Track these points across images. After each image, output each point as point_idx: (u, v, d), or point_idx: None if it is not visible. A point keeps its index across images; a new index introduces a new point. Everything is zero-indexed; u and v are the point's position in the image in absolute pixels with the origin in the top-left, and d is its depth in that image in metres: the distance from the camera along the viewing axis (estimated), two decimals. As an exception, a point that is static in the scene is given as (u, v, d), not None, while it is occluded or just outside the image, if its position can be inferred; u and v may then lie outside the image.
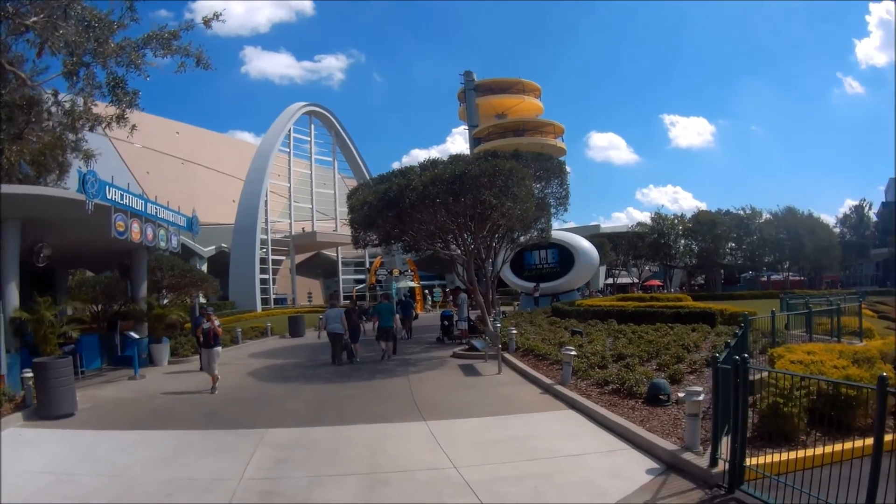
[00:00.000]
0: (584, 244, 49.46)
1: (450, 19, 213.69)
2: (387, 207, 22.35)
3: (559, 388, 14.40)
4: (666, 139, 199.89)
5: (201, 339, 17.72)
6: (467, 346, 23.07)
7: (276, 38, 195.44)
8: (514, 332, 21.73)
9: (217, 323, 17.54)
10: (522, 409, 13.21)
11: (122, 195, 19.07)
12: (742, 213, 75.55)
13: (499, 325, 23.27)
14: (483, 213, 22.96)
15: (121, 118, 22.59)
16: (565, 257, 48.59)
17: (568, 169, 26.13)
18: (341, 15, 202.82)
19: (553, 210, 29.63)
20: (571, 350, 15.37)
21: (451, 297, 27.61)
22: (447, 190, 21.54)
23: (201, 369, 19.00)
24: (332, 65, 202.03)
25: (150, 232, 21.21)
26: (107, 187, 18.09)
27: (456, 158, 24.98)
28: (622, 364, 16.01)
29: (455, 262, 27.22)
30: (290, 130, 67.41)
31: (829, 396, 9.27)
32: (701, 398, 9.19)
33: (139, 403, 15.14)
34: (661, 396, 12.02)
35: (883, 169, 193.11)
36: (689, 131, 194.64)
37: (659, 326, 24.13)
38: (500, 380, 17.04)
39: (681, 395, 11.21)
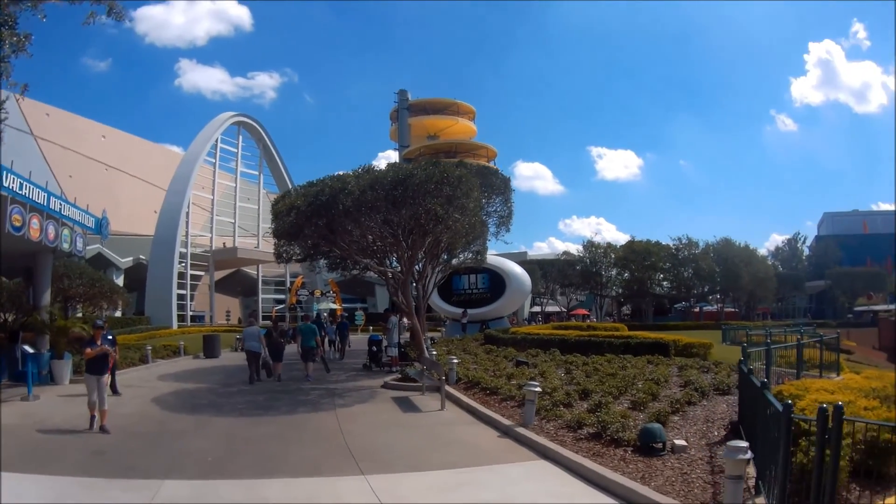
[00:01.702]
0: (517, 269, 47.66)
1: (386, 41, 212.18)
2: (317, 214, 19.41)
3: (522, 430, 12.12)
4: (592, 171, 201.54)
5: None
6: (399, 376, 20.77)
7: (213, 51, 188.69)
8: (455, 360, 19.23)
9: (111, 345, 14.14)
10: (483, 458, 10.75)
11: (21, 184, 16.59)
12: (679, 243, 74.96)
13: (434, 352, 21.17)
14: (425, 225, 20.53)
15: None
16: (496, 283, 46.34)
17: (513, 187, 23.76)
18: (278, 31, 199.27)
19: (494, 230, 27.03)
20: (535, 386, 12.92)
21: (382, 322, 25.12)
22: (387, 196, 18.97)
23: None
24: (265, 82, 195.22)
25: (51, 230, 18.84)
26: (4, 173, 15.50)
27: (396, 165, 22.33)
28: (592, 402, 13.73)
29: (388, 281, 24.58)
30: (217, 140, 63.21)
31: (868, 444, 7.26)
32: (748, 456, 7.20)
33: (19, 434, 12.22)
34: (654, 445, 9.99)
35: (812, 205, 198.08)
36: (616, 164, 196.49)
37: (610, 358, 22.24)
38: (446, 418, 14.59)
39: (678, 442, 10.06)
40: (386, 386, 19.85)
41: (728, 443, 7.46)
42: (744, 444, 7.25)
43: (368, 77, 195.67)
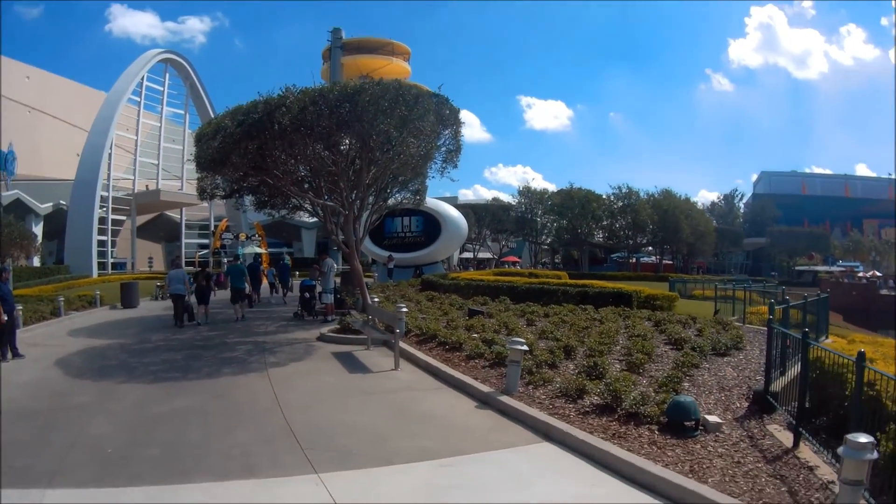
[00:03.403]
0: (453, 213, 45.82)
1: None
2: (247, 136, 16.22)
3: (506, 400, 9.79)
4: (520, 120, 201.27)
5: None
6: (338, 326, 18.10)
7: None
8: (404, 309, 16.52)
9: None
10: (469, 442, 8.23)
11: None
12: (618, 192, 73.85)
13: (376, 299, 19.30)
14: (374, 150, 17.66)
15: None
16: (431, 226, 44.52)
17: (466, 118, 20.87)
18: None
19: (440, 165, 23.95)
20: (521, 343, 10.37)
21: (318, 262, 22.66)
22: (332, 114, 16.11)
23: None
24: (196, 26, 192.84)
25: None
26: None
27: (342, 82, 19.17)
28: (580, 362, 11.80)
29: (327, 218, 21.69)
30: (143, 78, 59.23)
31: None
32: (874, 455, 5.30)
33: None
34: (686, 423, 8.01)
35: (745, 163, 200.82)
36: (546, 114, 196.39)
37: (572, 308, 20.32)
38: (404, 381, 11.99)
39: (710, 418, 8.24)
40: (323, 338, 17.14)
41: (848, 436, 5.35)
42: (866, 438, 5.28)
43: (300, 23, 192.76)
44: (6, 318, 14.00)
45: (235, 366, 13.52)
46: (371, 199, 22.57)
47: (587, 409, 9.04)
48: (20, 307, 18.73)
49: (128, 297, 28.59)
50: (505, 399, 9.70)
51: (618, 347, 13.22)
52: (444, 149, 21.11)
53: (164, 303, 28.38)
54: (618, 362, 11.89)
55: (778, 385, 9.14)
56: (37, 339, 17.84)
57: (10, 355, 14.35)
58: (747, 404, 9.20)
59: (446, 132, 20.28)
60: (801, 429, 7.48)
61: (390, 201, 25.99)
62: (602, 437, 7.88)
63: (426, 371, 12.68)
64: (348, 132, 16.79)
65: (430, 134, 18.22)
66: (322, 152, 17.71)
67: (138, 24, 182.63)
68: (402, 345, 14.06)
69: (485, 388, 10.49)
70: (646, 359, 11.76)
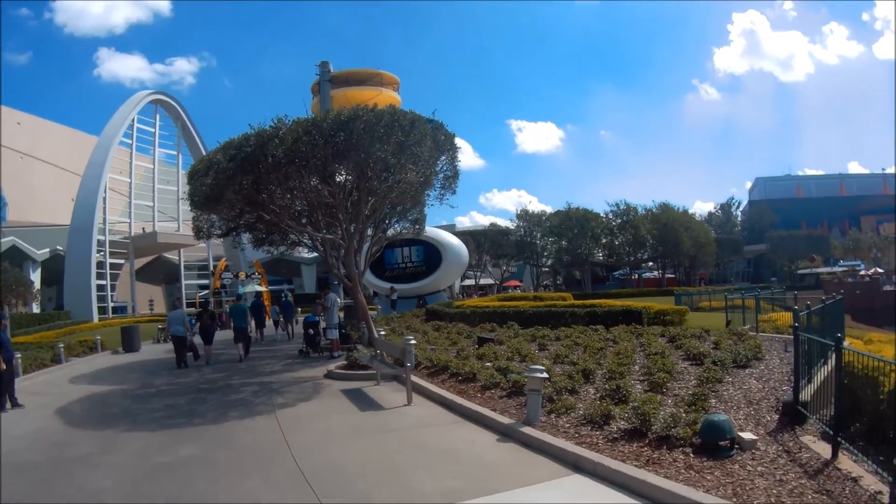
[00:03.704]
0: (453, 241, 45.74)
1: (304, 20, 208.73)
2: (241, 170, 15.76)
3: (529, 431, 9.28)
4: (512, 144, 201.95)
5: None
6: (345, 362, 17.57)
7: (131, 39, 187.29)
8: (413, 340, 15.51)
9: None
10: (495, 478, 7.69)
11: None
12: (616, 209, 73.53)
13: (382, 332, 18.78)
14: (371, 180, 17.21)
15: None
16: (432, 255, 44.51)
17: (459, 144, 20.36)
18: (197, 15, 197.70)
19: (438, 192, 23.38)
20: (540, 370, 9.87)
21: (321, 298, 22.25)
22: (327, 144, 15.59)
23: None
24: (184, 67, 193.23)
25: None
26: None
27: (336, 110, 18.61)
28: (601, 386, 11.39)
29: (327, 252, 21.23)
30: (133, 120, 58.61)
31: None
32: None
33: None
34: (721, 443, 7.55)
35: (737, 170, 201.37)
36: (537, 136, 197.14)
37: (582, 329, 19.91)
38: (418, 416, 11.43)
39: (744, 436, 7.78)
40: (331, 376, 16.62)
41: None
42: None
43: (288, 59, 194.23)
44: (4, 367, 13.62)
45: (242, 408, 12.97)
46: (370, 230, 22.13)
47: (615, 436, 8.60)
48: (19, 355, 18.30)
49: (129, 340, 27.99)
50: (527, 430, 9.21)
51: (636, 367, 12.82)
52: (441, 175, 20.68)
53: (166, 345, 27.85)
54: (639, 383, 11.47)
55: (807, 394, 8.83)
56: (37, 387, 17.38)
57: (9, 405, 13.92)
58: (777, 417, 8.86)
59: (443, 158, 19.90)
60: (839, 438, 7.19)
61: (389, 232, 25.53)
62: (636, 465, 7.42)
63: (441, 404, 12.17)
64: (344, 162, 16.33)
65: (429, 159, 17.77)
66: (318, 184, 17.27)
67: (126, 67, 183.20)
68: (414, 378, 13.50)
69: (505, 420, 9.97)
70: (668, 377, 11.33)
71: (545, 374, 9.96)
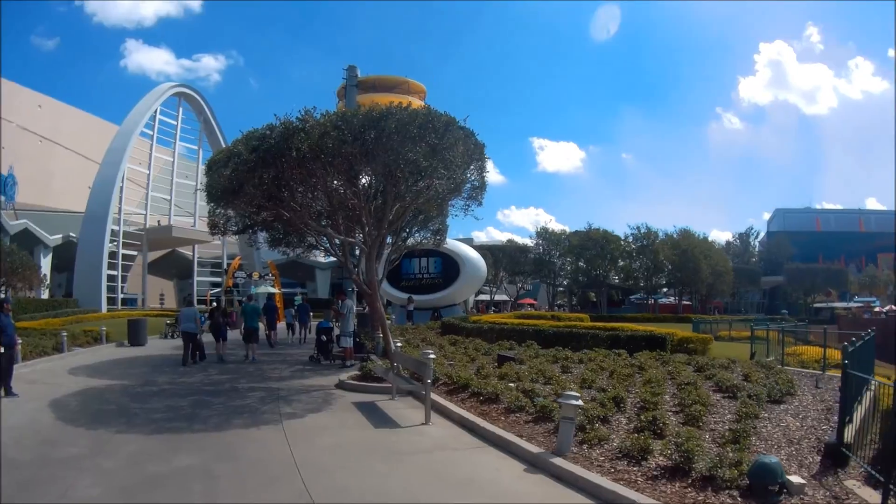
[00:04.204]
0: (472, 254, 45.35)
1: (334, 25, 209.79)
2: (262, 164, 14.92)
3: (560, 462, 8.46)
4: (533, 162, 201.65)
5: None
6: (358, 373, 16.71)
7: (160, 32, 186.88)
8: (432, 355, 14.72)
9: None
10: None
11: None
12: (637, 232, 72.84)
13: (399, 344, 18.15)
14: (399, 182, 16.33)
15: None
16: (450, 267, 44.41)
17: (487, 156, 19.57)
18: (228, 13, 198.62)
19: (463, 203, 22.49)
20: (575, 398, 9.07)
21: (336, 304, 21.73)
22: (355, 140, 14.69)
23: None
24: (210, 65, 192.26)
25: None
26: None
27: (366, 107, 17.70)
28: (634, 415, 10.65)
29: (345, 256, 20.55)
30: (156, 112, 58.74)
31: None
32: None
33: None
34: (771, 487, 6.96)
35: (756, 201, 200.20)
36: (558, 155, 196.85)
37: (605, 353, 19.04)
38: (437, 438, 10.57)
39: (793, 479, 7.10)
40: (343, 386, 15.79)
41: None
42: None
43: (315, 63, 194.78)
44: (2, 350, 13.25)
45: (247, 416, 12.17)
46: (389, 238, 21.40)
47: (654, 473, 7.84)
48: (20, 341, 17.84)
49: (135, 334, 27.60)
50: (558, 462, 8.41)
51: (667, 397, 12.00)
52: (468, 185, 19.87)
53: (173, 342, 27.69)
54: (673, 414, 10.71)
55: (849, 434, 8.19)
56: (35, 375, 16.90)
57: (2, 392, 13.43)
58: (820, 458, 8.19)
59: (471, 167, 19.06)
60: (891, 485, 6.51)
61: (409, 241, 24.87)
62: None
63: (461, 426, 11.35)
64: (373, 162, 15.45)
65: (461, 165, 16.93)
66: (343, 184, 16.47)
67: (153, 60, 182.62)
68: (432, 395, 12.57)
69: (533, 449, 9.16)
70: (704, 410, 10.54)
71: (580, 402, 9.17)
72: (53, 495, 7.18)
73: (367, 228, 18.23)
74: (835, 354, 17.50)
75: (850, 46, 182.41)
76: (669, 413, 10.69)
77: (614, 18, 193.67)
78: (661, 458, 8.18)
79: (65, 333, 23.81)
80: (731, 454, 7.81)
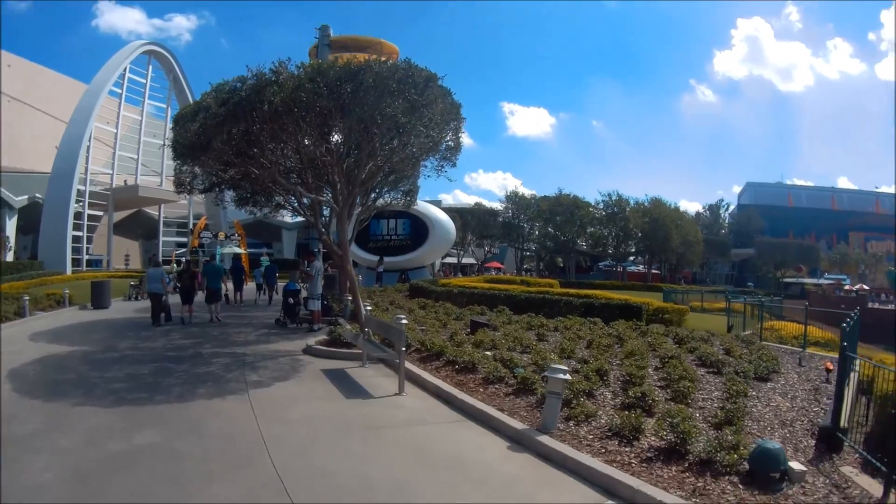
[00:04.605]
0: (441, 216, 45.06)
1: None
2: (232, 118, 13.99)
3: (546, 441, 7.97)
4: (503, 126, 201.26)
5: None
6: (326, 338, 16.16)
7: None
8: (404, 320, 13.72)
9: None
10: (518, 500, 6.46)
11: None
12: (608, 199, 72.66)
13: (370, 308, 17.59)
14: (376, 139, 15.52)
15: None
16: (418, 229, 44.32)
17: (463, 116, 18.77)
18: None
19: (436, 163, 21.70)
20: (563, 371, 8.47)
21: (304, 265, 21.07)
22: (332, 93, 13.83)
23: None
24: (182, 25, 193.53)
25: None
26: None
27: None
28: (619, 390, 10.30)
29: (315, 216, 19.78)
30: (125, 69, 57.01)
31: None
32: None
33: None
34: (773, 474, 6.63)
35: (726, 174, 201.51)
36: (528, 121, 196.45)
37: (581, 321, 18.95)
38: (413, 410, 9.96)
39: (793, 466, 6.77)
40: (310, 351, 15.12)
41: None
42: None
43: (287, 24, 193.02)
44: None
45: (211, 385, 11.44)
46: (359, 198, 20.65)
47: (648, 455, 7.39)
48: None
49: (99, 296, 26.73)
50: (545, 440, 7.90)
51: (650, 370, 11.62)
52: (443, 145, 19.10)
53: (137, 304, 27.09)
54: (659, 389, 10.30)
55: (844, 418, 7.99)
56: (-8, 343, 15.84)
57: None
58: (815, 442, 7.95)
59: (449, 126, 18.27)
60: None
61: (379, 202, 24.16)
62: (681, 497, 6.32)
63: (437, 397, 10.77)
64: (348, 117, 14.45)
65: (440, 124, 16.16)
66: (316, 140, 15.57)
67: (125, 19, 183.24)
68: (405, 364, 11.83)
69: (516, 424, 8.61)
70: (692, 387, 10.11)
71: (568, 377, 8.63)
72: (4, 481, 6.47)
73: (338, 187, 17.41)
74: (814, 332, 18.24)
75: (830, 27, 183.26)
76: (656, 388, 10.24)
77: None
78: (653, 439, 7.77)
79: (27, 297, 23.01)
80: (729, 436, 7.32)
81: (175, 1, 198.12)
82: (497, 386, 10.62)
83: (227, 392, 10.84)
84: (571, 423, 8.47)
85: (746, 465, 6.76)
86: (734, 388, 9.90)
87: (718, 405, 9.25)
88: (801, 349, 15.84)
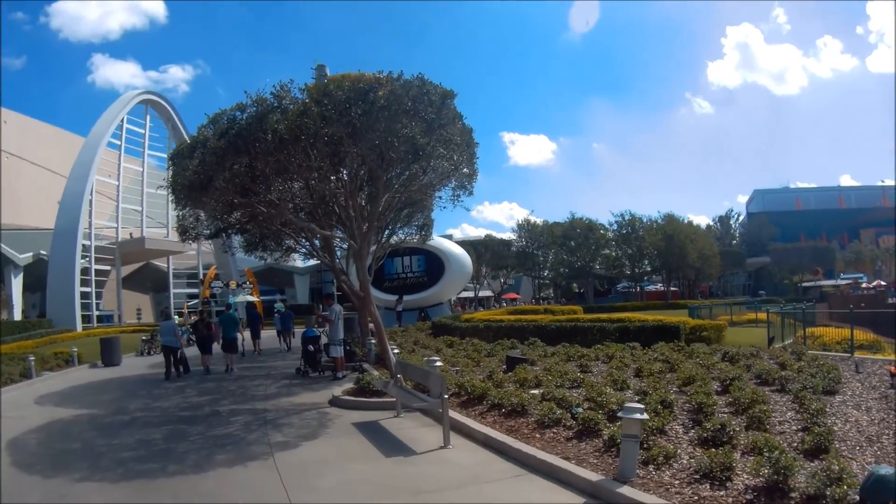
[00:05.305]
0: (456, 250, 44.55)
1: (301, 29, 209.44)
2: (233, 151, 12.90)
3: (628, 492, 6.72)
4: (504, 157, 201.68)
5: None
6: (353, 386, 14.79)
7: (126, 45, 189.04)
8: (439, 362, 13.08)
9: None
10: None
11: None
12: (621, 219, 71.92)
13: (396, 350, 16.45)
14: (390, 166, 14.36)
15: None
16: (433, 265, 43.79)
17: (476, 140, 17.67)
18: (193, 21, 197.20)
19: (452, 193, 20.48)
20: (640, 410, 7.28)
21: (319, 308, 20.31)
22: (342, 116, 12.63)
23: None
24: (178, 75, 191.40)
25: None
26: None
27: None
28: (687, 422, 9.28)
29: (330, 256, 18.80)
30: (123, 120, 56.62)
31: None
32: None
33: None
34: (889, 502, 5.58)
35: (729, 184, 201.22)
36: (529, 149, 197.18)
37: (620, 348, 17.68)
38: (464, 466, 8.63)
39: None
40: (337, 403, 13.84)
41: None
42: None
43: (284, 68, 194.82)
44: None
45: (231, 449, 10.15)
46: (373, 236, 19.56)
47: (748, 497, 6.33)
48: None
49: (109, 353, 25.73)
50: (627, 491, 6.70)
51: (714, 396, 10.37)
52: (456, 173, 17.95)
53: (149, 359, 26.26)
54: (728, 414, 9.24)
55: None
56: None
57: None
58: None
59: (465, 150, 17.10)
60: None
61: (393, 239, 23.20)
62: None
63: (488, 447, 9.41)
64: (361, 142, 13.29)
65: (460, 144, 15.01)
66: (327, 171, 14.47)
67: (121, 73, 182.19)
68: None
69: (589, 475, 7.38)
70: (767, 410, 9.10)
71: (644, 416, 7.37)
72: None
73: (354, 222, 16.21)
74: (859, 335, 17.66)
75: (818, 25, 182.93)
76: (725, 414, 9.22)
77: (591, 11, 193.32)
78: (746, 477, 6.72)
79: (32, 358, 21.99)
80: (835, 465, 6.24)
81: (169, 51, 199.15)
82: (555, 430, 9.40)
83: (249, 457, 9.55)
84: (651, 468, 7.32)
85: (857, 497, 5.78)
86: (812, 406, 8.90)
87: (797, 427, 8.47)
88: (848, 355, 15.31)
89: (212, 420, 12.77)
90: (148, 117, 61.62)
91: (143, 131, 61.18)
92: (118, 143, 57.51)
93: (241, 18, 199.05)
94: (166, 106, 63.08)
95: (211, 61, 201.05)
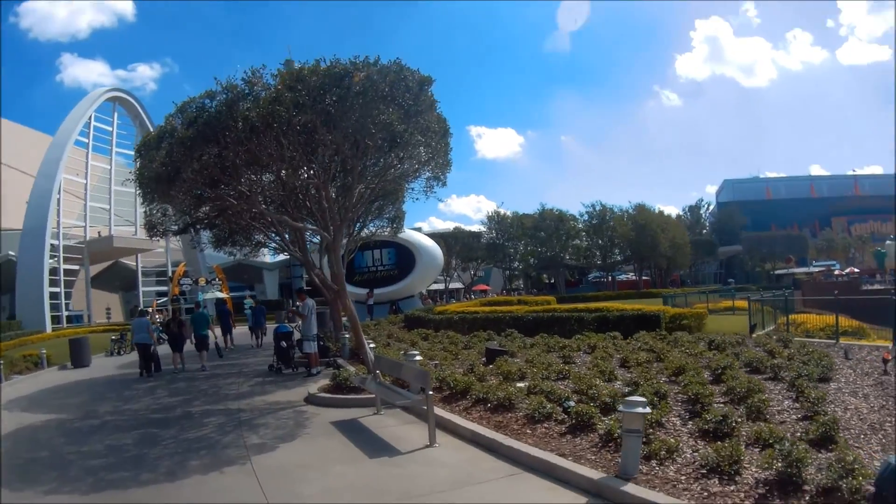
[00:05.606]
0: (427, 242, 44.82)
1: (269, 26, 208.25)
2: (202, 141, 12.26)
3: (633, 490, 6.36)
4: (472, 150, 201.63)
5: None
6: (329, 382, 14.26)
7: (95, 44, 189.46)
8: (418, 356, 12.31)
9: None
10: None
11: None
12: (592, 210, 72.07)
13: (372, 345, 15.94)
14: (365, 155, 13.87)
15: None
16: (404, 258, 44.15)
17: (451, 130, 17.24)
18: (161, 20, 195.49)
19: (425, 184, 19.95)
20: (643, 404, 6.87)
21: (293, 305, 19.90)
22: (316, 103, 12.06)
23: None
24: (146, 74, 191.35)
25: None
26: None
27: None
28: (684, 413, 9.02)
29: (301, 249, 18.36)
30: (91, 118, 56.20)
31: None
32: None
33: None
34: None
35: (698, 175, 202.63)
36: (496, 142, 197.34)
37: (601, 338, 17.60)
38: (453, 465, 8.17)
39: None
40: (313, 401, 13.31)
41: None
42: None
43: (252, 66, 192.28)
44: None
45: (205, 453, 9.56)
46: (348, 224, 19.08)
47: (760, 492, 6.05)
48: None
49: (78, 354, 25.10)
50: (632, 489, 6.33)
51: (711, 386, 10.09)
52: (431, 164, 17.45)
53: (119, 359, 25.95)
54: (726, 405, 8.97)
55: None
56: (-36, 414, 14.10)
57: None
58: None
59: (441, 139, 16.60)
60: None
61: (364, 232, 22.80)
62: None
63: (476, 445, 8.95)
64: (335, 130, 12.77)
65: (438, 132, 14.57)
66: (301, 161, 14.00)
67: (89, 72, 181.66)
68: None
69: (589, 472, 6.97)
70: (766, 400, 8.91)
71: (647, 410, 6.99)
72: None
73: (328, 214, 15.70)
74: (843, 322, 17.72)
75: (787, 18, 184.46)
76: (722, 404, 8.99)
77: (581, 10, 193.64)
78: (755, 469, 6.49)
79: (1, 362, 21.52)
80: (848, 457, 6.00)
81: (137, 50, 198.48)
82: (546, 425, 8.99)
83: (225, 462, 9.00)
84: (654, 463, 6.98)
85: (874, 488, 5.50)
86: (811, 395, 8.76)
87: (797, 417, 8.39)
88: (833, 341, 15.47)
89: (184, 422, 12.19)
90: (116, 115, 61.10)
91: (110, 129, 60.73)
92: (86, 140, 57.13)
93: (209, 17, 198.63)
94: (134, 103, 62.58)
95: (179, 59, 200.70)
